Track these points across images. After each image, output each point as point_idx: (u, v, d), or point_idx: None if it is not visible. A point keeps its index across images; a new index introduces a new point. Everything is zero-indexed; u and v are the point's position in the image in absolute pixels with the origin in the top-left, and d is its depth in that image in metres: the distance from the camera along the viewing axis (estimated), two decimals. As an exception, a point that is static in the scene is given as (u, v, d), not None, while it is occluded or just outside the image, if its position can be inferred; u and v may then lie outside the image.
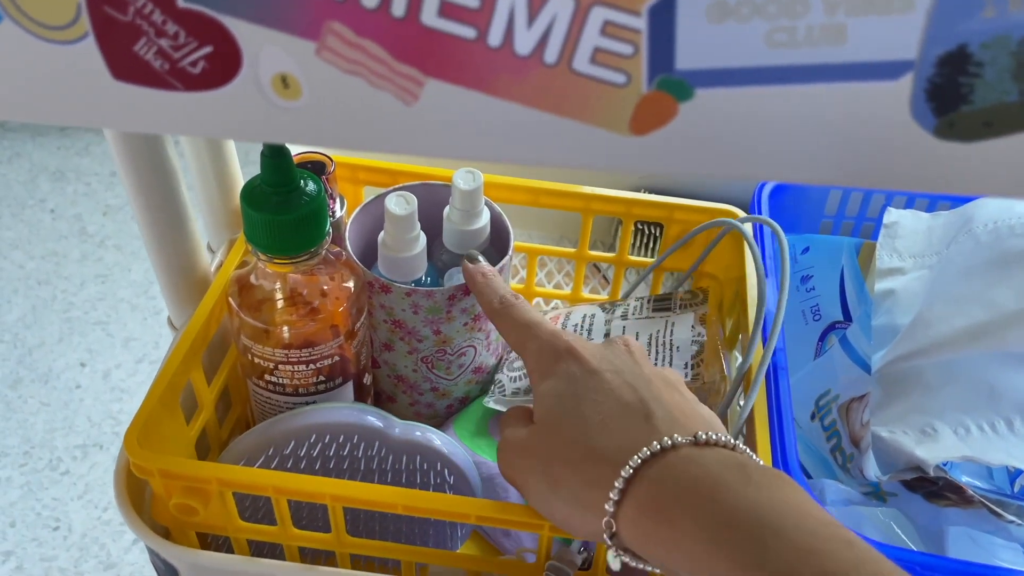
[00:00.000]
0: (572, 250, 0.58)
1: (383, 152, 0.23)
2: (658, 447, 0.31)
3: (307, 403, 0.46)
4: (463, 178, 0.48)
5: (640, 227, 0.69)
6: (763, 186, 0.54)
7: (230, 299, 0.44)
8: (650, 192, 0.63)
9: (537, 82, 0.21)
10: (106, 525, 1.16)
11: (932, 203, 0.55)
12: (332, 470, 0.43)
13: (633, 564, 0.33)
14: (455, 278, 0.51)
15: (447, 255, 0.50)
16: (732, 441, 0.32)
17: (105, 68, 0.22)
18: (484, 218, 0.49)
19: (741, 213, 0.52)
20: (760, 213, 0.52)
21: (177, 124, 0.23)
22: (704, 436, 0.32)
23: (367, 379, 0.50)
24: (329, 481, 0.39)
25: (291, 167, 0.39)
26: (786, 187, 0.55)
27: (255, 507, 0.44)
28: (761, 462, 0.32)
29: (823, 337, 0.51)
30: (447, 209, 0.49)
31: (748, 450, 0.32)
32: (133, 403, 1.30)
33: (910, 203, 0.55)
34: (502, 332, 0.43)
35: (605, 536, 0.32)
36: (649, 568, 0.33)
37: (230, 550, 0.44)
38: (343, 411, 0.43)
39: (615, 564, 0.33)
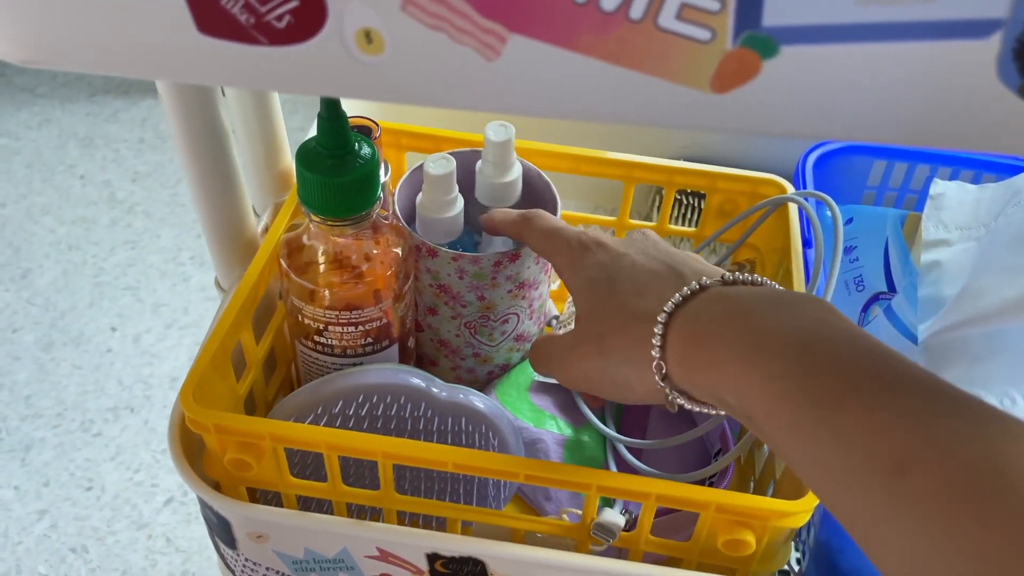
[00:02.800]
0: (612, 219, 0.58)
1: (462, 108, 0.23)
2: (688, 291, 0.34)
3: (354, 364, 0.46)
4: (495, 130, 0.48)
5: (677, 197, 0.69)
6: (807, 156, 0.54)
7: (281, 260, 0.45)
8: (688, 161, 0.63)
9: (621, 38, 0.21)
10: (138, 486, 1.18)
11: (978, 175, 0.55)
12: (379, 429, 0.44)
13: (688, 407, 0.34)
14: (494, 243, 0.51)
15: (478, 209, 0.51)
16: (761, 278, 0.34)
17: (191, 21, 0.22)
18: (516, 171, 0.49)
19: (787, 184, 0.52)
20: (805, 184, 0.52)
21: (259, 79, 0.23)
22: (731, 276, 0.34)
23: (411, 343, 0.50)
24: (380, 438, 0.39)
25: (347, 130, 0.40)
26: (830, 157, 0.55)
27: (303, 465, 0.45)
28: (795, 292, 0.33)
29: (866, 308, 0.51)
30: (479, 163, 0.50)
31: (778, 285, 0.34)
32: (163, 367, 1.32)
33: (955, 175, 0.55)
34: (529, 242, 0.45)
35: (658, 380, 0.34)
36: (707, 410, 0.35)
37: (277, 506, 0.44)
38: (391, 372, 0.44)
39: (673, 407, 0.35)
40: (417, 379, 0.43)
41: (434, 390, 0.43)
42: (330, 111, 0.39)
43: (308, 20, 0.22)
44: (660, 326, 0.33)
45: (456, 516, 0.43)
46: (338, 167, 0.40)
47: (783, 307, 0.31)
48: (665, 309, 0.34)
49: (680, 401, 0.34)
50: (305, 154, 0.40)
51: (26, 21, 0.23)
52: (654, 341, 0.33)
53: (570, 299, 0.57)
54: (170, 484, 1.18)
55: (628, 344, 0.35)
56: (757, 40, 0.21)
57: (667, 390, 0.34)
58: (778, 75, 0.21)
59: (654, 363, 0.34)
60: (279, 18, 0.22)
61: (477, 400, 0.44)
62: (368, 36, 0.22)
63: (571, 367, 0.39)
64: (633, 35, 0.21)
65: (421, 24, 0.22)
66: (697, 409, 0.35)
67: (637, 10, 0.21)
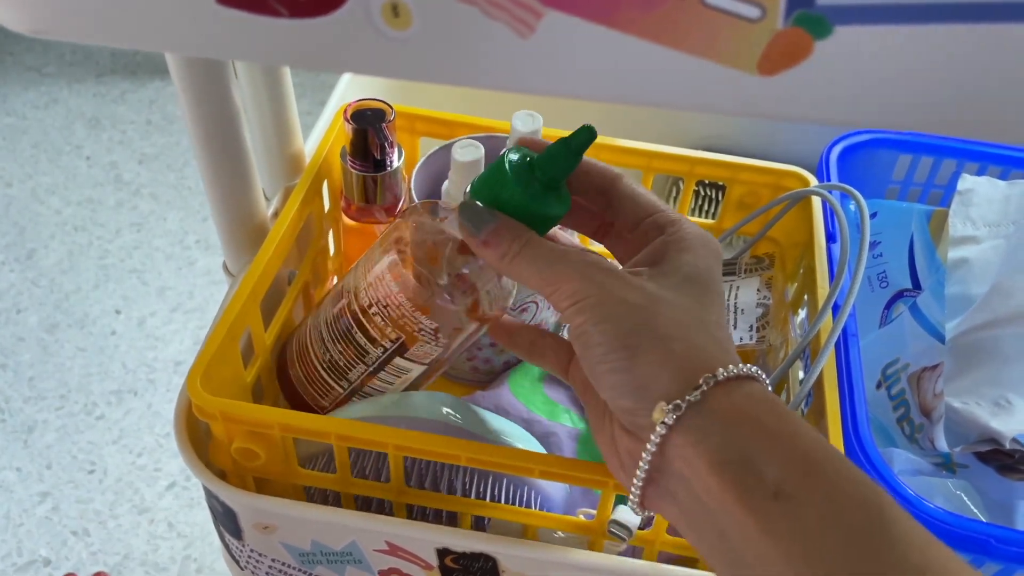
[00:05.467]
0: (630, 209, 0.57)
1: (493, 88, 0.22)
2: (751, 370, 0.31)
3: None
4: (522, 120, 0.47)
5: (695, 187, 0.68)
6: (831, 148, 0.53)
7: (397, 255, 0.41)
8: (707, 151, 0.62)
9: (665, 15, 0.20)
10: (140, 470, 1.18)
11: (1006, 171, 0.53)
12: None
13: (640, 476, 0.31)
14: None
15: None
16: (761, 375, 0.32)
17: (209, -9, 0.21)
18: None
19: (810, 176, 0.50)
20: (829, 177, 0.51)
21: (279, 54, 0.22)
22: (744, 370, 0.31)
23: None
24: (391, 430, 0.38)
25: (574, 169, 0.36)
26: (855, 150, 0.54)
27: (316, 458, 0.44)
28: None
29: (889, 305, 0.50)
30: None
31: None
32: (167, 351, 1.31)
33: (982, 171, 0.53)
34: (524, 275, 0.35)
35: (695, 392, 0.29)
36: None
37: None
38: (437, 409, 0.42)
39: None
40: (464, 423, 0.42)
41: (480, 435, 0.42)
42: (582, 145, 0.34)
43: (332, -9, 0.21)
44: (732, 370, 0.30)
45: (467, 511, 0.42)
46: (545, 198, 0.35)
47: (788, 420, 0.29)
48: (721, 371, 0.30)
49: (666, 421, 0.29)
50: (518, 168, 0.35)
51: (36, -13, 0.22)
52: (717, 375, 0.30)
53: None
54: (172, 469, 1.18)
55: (680, 342, 0.31)
56: (810, 19, 0.19)
57: (668, 407, 0.30)
58: (830, 57, 0.20)
59: (703, 376, 0.30)
60: (301, -12, 0.21)
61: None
62: (395, 9, 0.21)
63: (605, 286, 0.32)
64: (677, 12, 0.20)
65: (451, -3, 0.21)
66: (636, 493, 0.31)
67: (683, -15, 0.20)
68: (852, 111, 0.21)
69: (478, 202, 0.35)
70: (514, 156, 0.35)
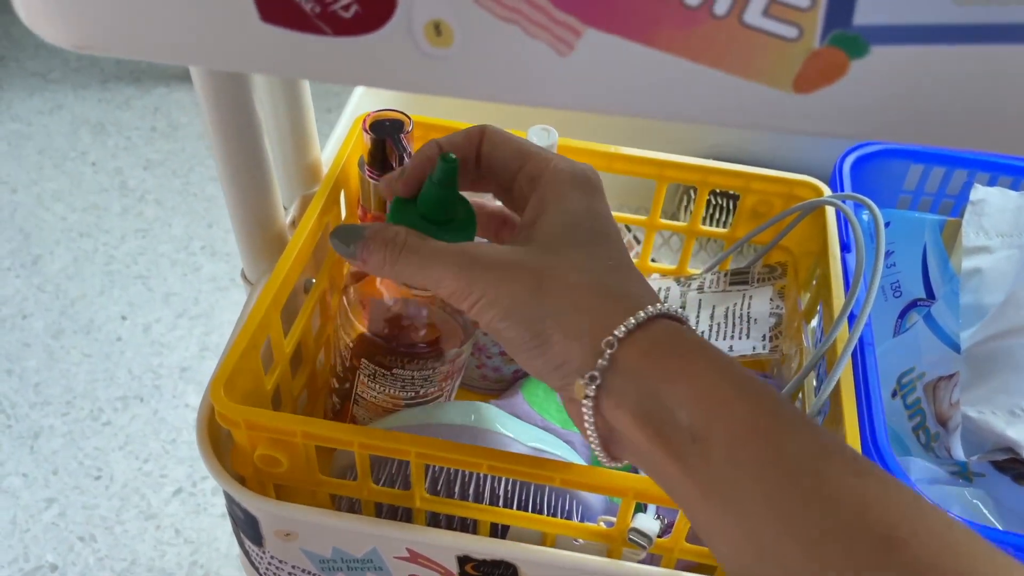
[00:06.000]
0: (643, 218, 0.57)
1: (532, 104, 0.22)
2: (663, 309, 0.31)
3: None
4: (538, 135, 0.47)
5: (708, 197, 0.68)
6: (844, 159, 0.53)
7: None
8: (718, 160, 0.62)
9: (703, 34, 0.20)
10: (146, 476, 1.18)
11: (1016, 181, 0.54)
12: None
13: (585, 411, 0.31)
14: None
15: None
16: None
17: (254, 9, 0.22)
18: None
19: (823, 185, 0.51)
20: (842, 187, 0.51)
21: (322, 70, 0.23)
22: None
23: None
24: (413, 438, 0.39)
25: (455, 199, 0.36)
26: (866, 160, 0.54)
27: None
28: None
29: (903, 314, 0.50)
30: None
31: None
32: (173, 357, 1.32)
33: (993, 180, 0.54)
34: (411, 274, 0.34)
35: (602, 358, 0.30)
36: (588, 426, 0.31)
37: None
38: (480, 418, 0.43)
39: (575, 397, 0.31)
40: (506, 432, 0.42)
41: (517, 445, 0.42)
42: (447, 178, 0.35)
43: (376, 10, 0.21)
44: (640, 316, 0.30)
45: (486, 518, 0.42)
46: (449, 233, 0.36)
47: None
48: (648, 309, 0.30)
49: (588, 393, 0.30)
50: (410, 223, 0.36)
51: (85, 5, 0.22)
52: (622, 326, 0.30)
53: None
54: (179, 474, 1.18)
55: (576, 312, 0.31)
56: (846, 39, 0.20)
57: (584, 381, 0.30)
58: (866, 76, 0.20)
59: (605, 340, 0.30)
60: (346, 7, 0.21)
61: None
62: (437, 28, 0.22)
63: (485, 286, 0.32)
64: (716, 31, 0.20)
65: (493, 16, 0.21)
66: (587, 423, 0.31)
67: (722, 6, 0.20)
68: (887, 129, 0.22)
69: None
70: (395, 210, 0.36)
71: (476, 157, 0.37)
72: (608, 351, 0.30)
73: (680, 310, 0.31)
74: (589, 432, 0.31)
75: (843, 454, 0.27)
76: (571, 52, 0.21)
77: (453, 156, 0.35)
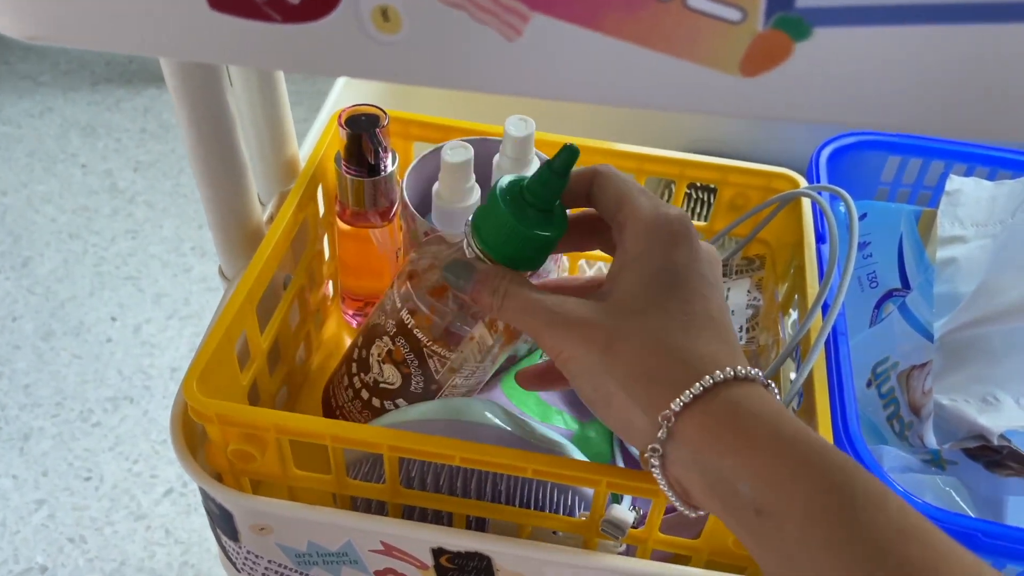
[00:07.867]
0: (622, 211, 0.57)
1: (481, 91, 0.22)
2: (731, 373, 0.30)
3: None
4: (515, 125, 0.47)
5: (686, 190, 0.68)
6: (821, 150, 0.53)
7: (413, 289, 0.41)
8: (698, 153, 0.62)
9: (649, 19, 0.21)
10: (136, 477, 1.18)
11: (993, 172, 0.54)
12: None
13: (659, 478, 0.32)
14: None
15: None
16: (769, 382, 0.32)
17: (202, -3, 0.22)
18: (534, 167, 0.48)
19: (800, 178, 0.51)
20: (819, 178, 0.51)
21: (272, 58, 0.23)
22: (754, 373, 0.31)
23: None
24: (385, 431, 0.39)
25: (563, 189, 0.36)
26: (843, 152, 0.54)
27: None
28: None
29: (879, 304, 0.51)
30: (497, 157, 0.49)
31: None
32: (163, 358, 1.31)
33: (970, 171, 0.54)
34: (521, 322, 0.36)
35: (661, 431, 0.30)
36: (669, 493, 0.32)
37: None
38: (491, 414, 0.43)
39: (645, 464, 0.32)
40: (511, 427, 0.42)
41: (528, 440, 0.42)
42: (565, 167, 0.34)
43: (323, -4, 0.21)
44: (698, 387, 0.30)
45: (461, 511, 0.42)
46: (542, 223, 0.36)
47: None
48: (712, 377, 0.30)
49: (652, 463, 0.31)
50: (513, 198, 0.36)
51: (31, -6, 0.22)
52: (673, 407, 0.30)
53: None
54: (169, 475, 1.18)
55: (639, 379, 0.31)
56: (789, 22, 0.20)
57: (648, 453, 0.31)
58: (810, 58, 0.20)
59: (662, 413, 0.30)
60: (293, -6, 0.21)
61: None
62: (385, 13, 0.22)
63: (565, 344, 0.33)
64: (661, 15, 0.20)
65: (440, 1, 0.21)
66: (664, 488, 0.32)
67: (666, -11, 0.20)
68: (834, 111, 0.22)
69: (475, 244, 0.37)
70: (505, 183, 0.36)
71: (586, 198, 0.37)
72: (666, 424, 0.30)
73: (757, 372, 0.31)
74: (664, 489, 0.32)
75: (922, 536, 0.27)
76: (519, 37, 0.21)
77: (575, 147, 0.34)
